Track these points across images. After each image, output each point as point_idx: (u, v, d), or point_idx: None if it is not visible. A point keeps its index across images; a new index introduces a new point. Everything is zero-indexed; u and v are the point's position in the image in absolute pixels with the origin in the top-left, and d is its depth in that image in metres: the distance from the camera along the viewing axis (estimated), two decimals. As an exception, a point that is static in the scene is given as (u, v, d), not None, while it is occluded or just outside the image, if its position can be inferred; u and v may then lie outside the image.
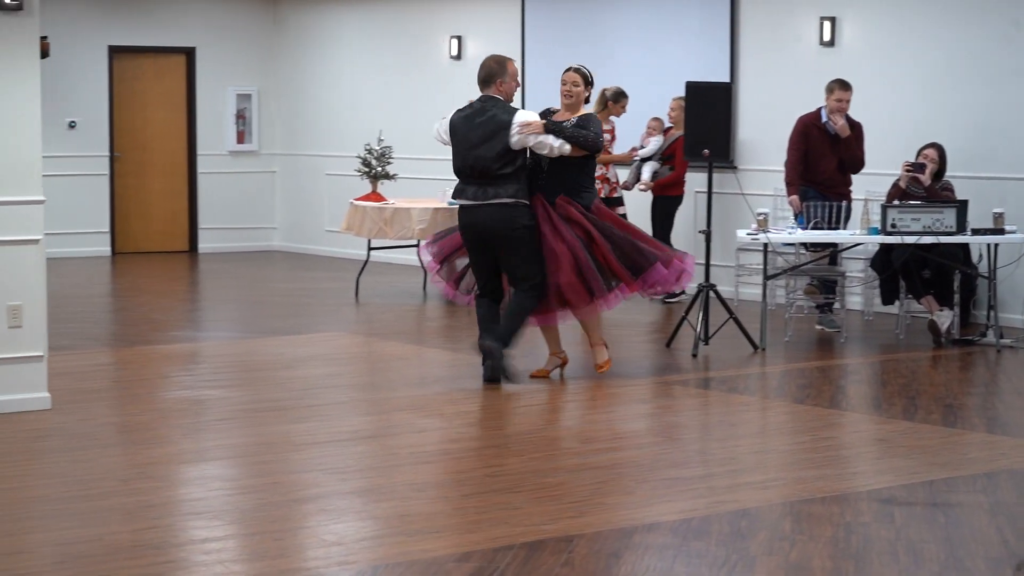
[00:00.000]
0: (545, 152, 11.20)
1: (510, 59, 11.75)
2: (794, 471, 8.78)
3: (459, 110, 11.47)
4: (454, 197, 11.59)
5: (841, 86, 13.94)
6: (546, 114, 11.57)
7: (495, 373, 11.17)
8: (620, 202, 15.97)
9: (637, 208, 16.17)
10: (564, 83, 11.64)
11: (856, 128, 13.89)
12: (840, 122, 13.70)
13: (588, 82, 11.69)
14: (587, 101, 11.85)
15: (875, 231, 13.09)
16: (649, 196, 16.05)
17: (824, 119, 13.91)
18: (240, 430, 9.71)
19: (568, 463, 8.56)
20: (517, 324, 11.44)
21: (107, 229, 20.78)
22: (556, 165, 11.37)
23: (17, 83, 9.87)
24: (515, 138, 11.12)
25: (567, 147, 11.17)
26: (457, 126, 11.30)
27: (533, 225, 11.29)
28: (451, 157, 11.42)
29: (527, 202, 11.30)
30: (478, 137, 11.19)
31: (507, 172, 11.20)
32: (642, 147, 16.01)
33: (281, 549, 6.96)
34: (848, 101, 14.05)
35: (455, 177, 11.49)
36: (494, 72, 11.42)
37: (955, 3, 14.50)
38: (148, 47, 20.94)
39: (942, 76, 14.54)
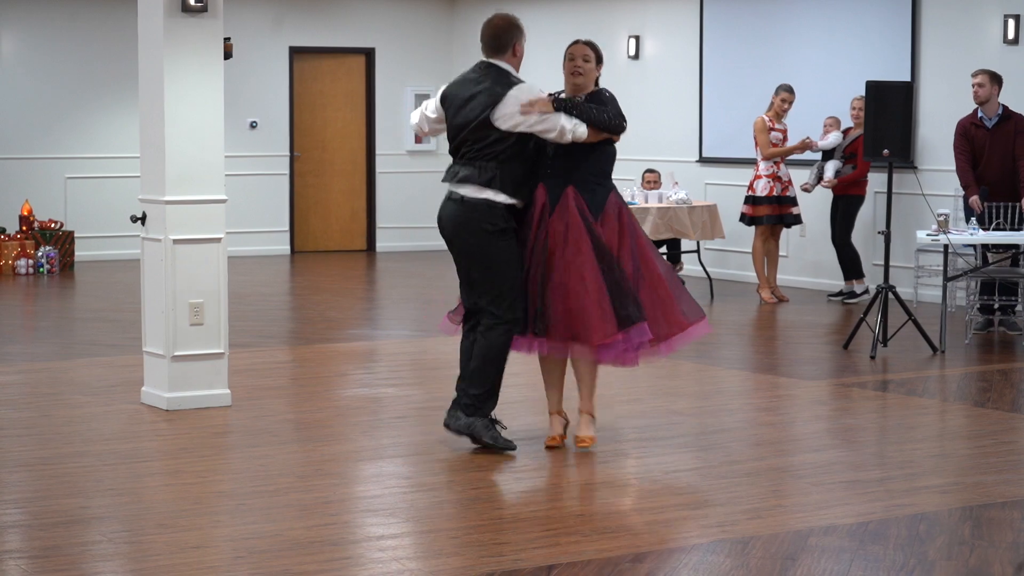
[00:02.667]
0: (554, 136, 8.87)
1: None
2: (974, 475, 8.62)
3: (455, 79, 9.40)
4: (444, 179, 9.29)
5: (787, 89, 14.25)
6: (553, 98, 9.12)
7: (483, 444, 8.79)
8: (794, 202, 15.82)
9: (818, 207, 16.07)
10: (572, 57, 9.30)
11: (1021, 123, 13.67)
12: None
13: (600, 59, 9.39)
14: (597, 84, 9.41)
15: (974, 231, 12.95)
16: (830, 195, 15.89)
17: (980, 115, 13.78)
18: (417, 428, 9.75)
19: (745, 465, 8.51)
20: (491, 376, 8.96)
21: (287, 228, 21.04)
22: (567, 145, 9.04)
23: (201, 84, 10.03)
24: (502, 117, 8.81)
25: (583, 129, 8.86)
26: (450, 96, 9.13)
27: (509, 230, 8.95)
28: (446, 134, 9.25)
29: (505, 199, 8.89)
30: (467, 109, 8.96)
31: (487, 153, 8.89)
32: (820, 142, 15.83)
33: (456, 548, 7.00)
34: (790, 103, 15.42)
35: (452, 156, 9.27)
36: (506, 34, 9.20)
37: None
38: (328, 48, 21.13)
39: None
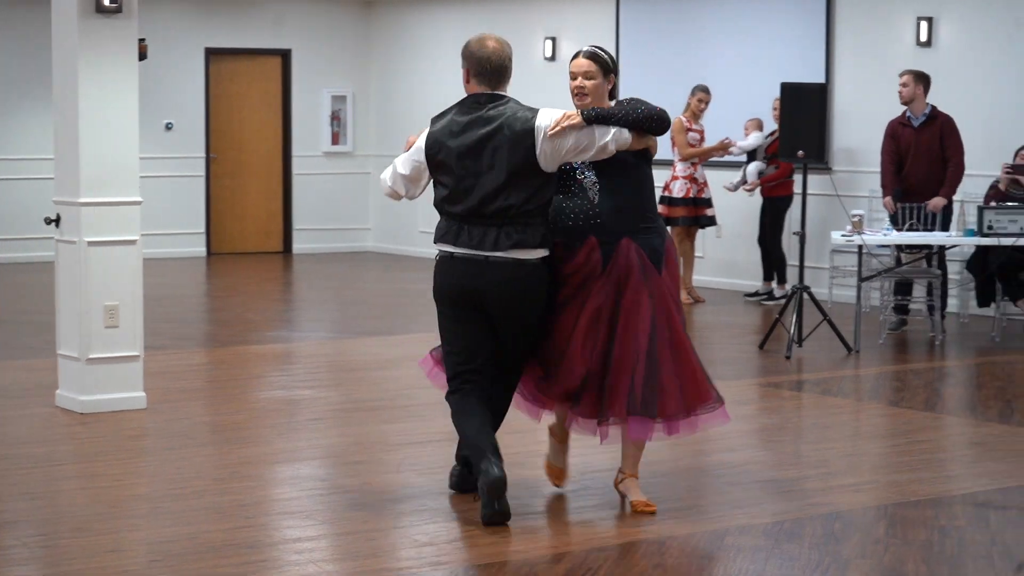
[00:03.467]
0: (591, 155, 7.39)
1: None
2: (888, 474, 8.75)
3: (440, 118, 7.60)
4: (438, 240, 7.53)
5: (702, 90, 14.50)
6: None
7: (503, 514, 7.30)
8: (709, 203, 15.90)
9: (736, 208, 16.18)
10: (573, 76, 7.77)
11: (948, 124, 13.80)
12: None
13: (609, 69, 7.78)
14: (613, 97, 7.88)
15: (971, 233, 13.03)
16: (759, 200, 15.99)
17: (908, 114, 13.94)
18: (333, 430, 9.76)
19: (663, 466, 8.52)
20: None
21: (203, 230, 20.98)
22: (612, 183, 7.53)
23: (116, 85, 9.97)
24: (544, 156, 7.30)
25: (627, 135, 7.42)
26: (446, 144, 7.39)
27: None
28: (436, 192, 7.56)
29: (546, 252, 7.47)
30: (486, 157, 7.33)
31: (531, 209, 7.36)
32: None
33: (373, 549, 7.01)
34: (707, 104, 15.83)
35: (446, 215, 7.55)
36: (510, 62, 7.70)
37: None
38: (244, 49, 21.07)
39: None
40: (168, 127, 20.44)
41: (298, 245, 21.57)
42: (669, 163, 16.09)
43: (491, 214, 7.24)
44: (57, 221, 10.12)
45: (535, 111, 7.33)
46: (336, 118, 21.66)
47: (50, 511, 7.60)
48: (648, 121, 7.36)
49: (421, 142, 7.42)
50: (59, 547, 6.91)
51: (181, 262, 19.80)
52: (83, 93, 9.86)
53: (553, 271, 7.49)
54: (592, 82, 7.54)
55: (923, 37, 15.34)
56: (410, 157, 7.48)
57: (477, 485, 7.27)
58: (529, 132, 7.18)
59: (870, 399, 11.17)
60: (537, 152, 7.15)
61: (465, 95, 7.53)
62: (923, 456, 9.12)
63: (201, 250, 20.93)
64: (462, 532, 7.31)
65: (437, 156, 7.30)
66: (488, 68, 7.45)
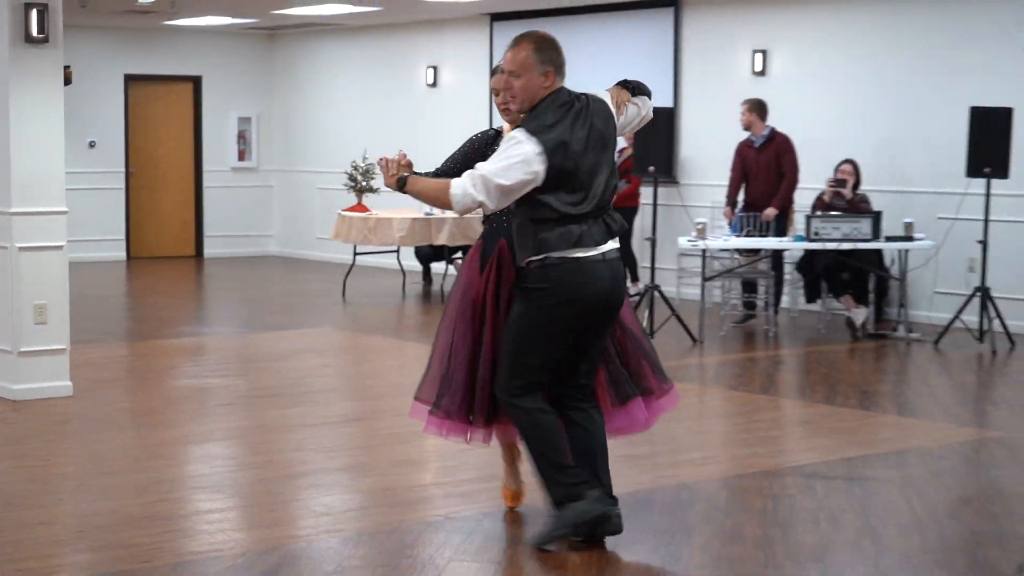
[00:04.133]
0: (636, 124, 6.71)
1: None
2: (729, 449, 8.89)
3: (548, 127, 6.16)
4: (573, 246, 6.19)
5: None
6: (490, 139, 6.93)
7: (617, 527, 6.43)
8: None
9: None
10: (497, 92, 6.76)
11: (784, 144, 14.01)
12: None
13: (541, 61, 6.23)
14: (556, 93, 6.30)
15: (800, 238, 13.25)
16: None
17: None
18: (240, 414, 9.71)
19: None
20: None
21: (123, 237, 20.75)
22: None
23: (43, 107, 9.86)
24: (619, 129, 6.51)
25: (649, 102, 6.76)
26: (571, 142, 6.14)
27: None
28: (558, 195, 6.18)
29: None
30: (594, 149, 6.29)
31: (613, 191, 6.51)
32: None
33: (276, 519, 6.98)
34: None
35: (567, 220, 6.20)
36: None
37: (870, 42, 14.56)
38: (160, 76, 20.91)
39: (857, 102, 14.60)
40: (91, 145, 20.22)
41: (209, 250, 21.42)
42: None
43: (605, 206, 6.27)
44: (-10, 229, 10.00)
45: (598, 94, 6.40)
46: (242, 137, 21.56)
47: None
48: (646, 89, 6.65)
49: (533, 154, 6.01)
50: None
51: (104, 265, 19.58)
52: (13, 114, 9.74)
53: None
54: (514, 88, 6.27)
55: (758, 67, 15.51)
56: (519, 170, 6.04)
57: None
58: (610, 114, 6.33)
59: (713, 384, 11.25)
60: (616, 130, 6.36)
61: (551, 94, 6.23)
62: (759, 434, 9.24)
63: (121, 255, 20.71)
64: (356, 503, 7.31)
65: (564, 164, 6.05)
66: (562, 60, 6.29)
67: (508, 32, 17.94)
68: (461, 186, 6.09)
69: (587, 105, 6.18)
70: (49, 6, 9.71)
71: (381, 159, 6.41)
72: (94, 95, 20.00)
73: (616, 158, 6.52)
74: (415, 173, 6.48)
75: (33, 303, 9.86)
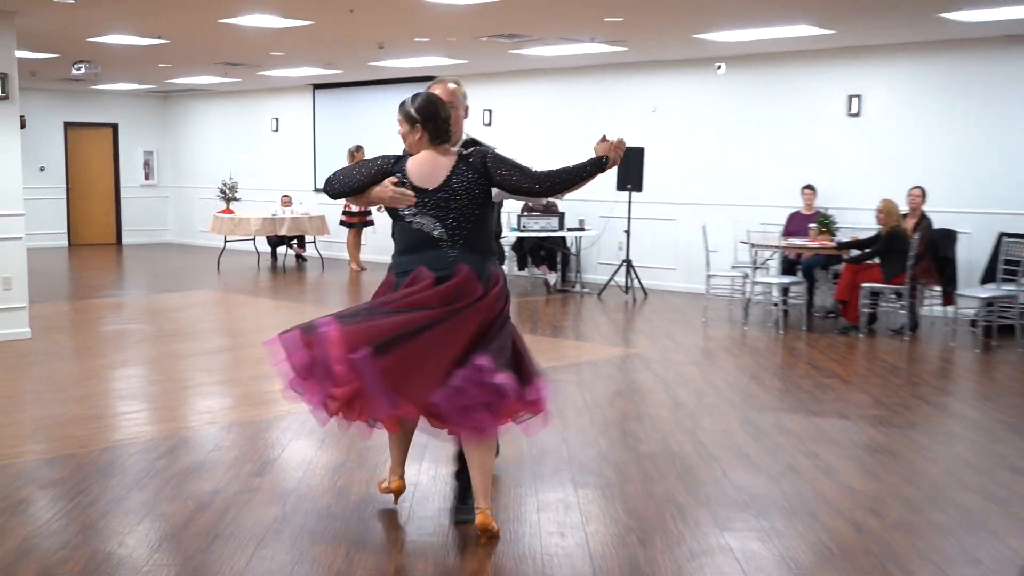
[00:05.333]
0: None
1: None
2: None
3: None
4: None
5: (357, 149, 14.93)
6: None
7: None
8: (370, 212, 15.41)
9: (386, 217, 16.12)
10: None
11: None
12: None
13: (412, 120, 4.65)
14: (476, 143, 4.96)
15: (514, 229, 13.36)
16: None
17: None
18: (148, 348, 9.44)
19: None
20: None
21: (65, 230, 19.88)
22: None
23: (4, 144, 9.48)
24: None
25: None
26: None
27: None
28: None
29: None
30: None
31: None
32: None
33: (172, 416, 6.85)
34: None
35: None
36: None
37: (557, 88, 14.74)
38: (88, 122, 20.08)
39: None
40: (41, 169, 19.31)
41: (125, 239, 20.67)
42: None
43: None
44: (-29, 226, 9.61)
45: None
46: (147, 164, 20.86)
47: (-30, 401, 7.20)
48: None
49: None
50: (-24, 423, 6.56)
51: (51, 250, 18.76)
52: (-14, 148, 9.35)
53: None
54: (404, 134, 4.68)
55: (487, 121, 15.53)
56: None
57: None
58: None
59: None
60: None
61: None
62: None
63: (64, 243, 19.88)
64: (227, 404, 7.19)
65: None
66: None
67: (326, 97, 17.83)
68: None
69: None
70: (8, 75, 9.36)
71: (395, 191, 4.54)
72: (43, 135, 19.19)
73: None
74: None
75: (1, 276, 9.52)
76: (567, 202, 14.08)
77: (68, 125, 19.84)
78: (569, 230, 13.52)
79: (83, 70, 13.93)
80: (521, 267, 14.22)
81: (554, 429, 6.35)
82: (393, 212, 4.68)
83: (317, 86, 17.66)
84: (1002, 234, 10.38)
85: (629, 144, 13.20)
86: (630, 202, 12.94)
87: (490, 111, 15.28)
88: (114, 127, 20.49)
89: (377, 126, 16.66)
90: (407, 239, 4.64)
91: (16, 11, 9.50)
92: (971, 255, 10.88)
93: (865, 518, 4.96)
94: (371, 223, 15.78)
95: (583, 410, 7.00)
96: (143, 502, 5.11)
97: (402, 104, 4.73)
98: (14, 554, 4.42)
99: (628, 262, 12.96)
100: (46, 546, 4.52)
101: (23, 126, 9.77)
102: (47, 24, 10.54)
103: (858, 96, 11.94)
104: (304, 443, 6.18)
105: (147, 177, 21.00)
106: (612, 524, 4.85)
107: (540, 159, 13.67)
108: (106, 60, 13.95)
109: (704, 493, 5.31)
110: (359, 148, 15.37)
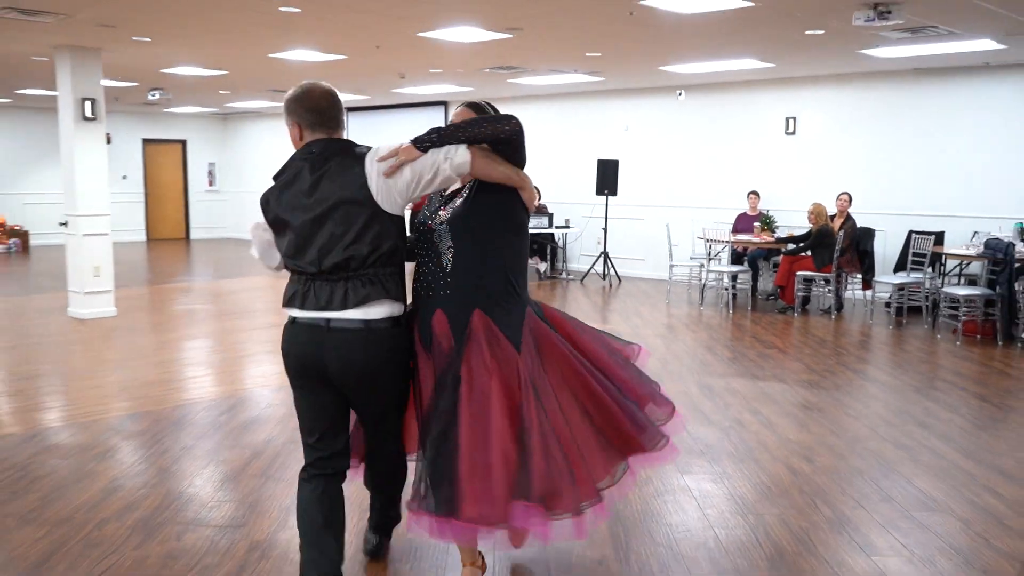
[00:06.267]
0: (428, 179, 2.85)
1: None
2: None
3: (275, 178, 3.05)
4: (287, 305, 3.09)
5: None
6: None
7: None
8: None
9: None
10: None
11: None
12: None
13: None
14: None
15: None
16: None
17: None
18: (213, 324, 9.41)
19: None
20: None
21: (143, 227, 19.84)
22: (467, 245, 2.94)
23: (94, 156, 9.44)
24: (379, 186, 2.87)
25: (462, 153, 2.86)
26: (276, 200, 3.00)
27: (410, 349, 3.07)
28: (275, 251, 3.15)
29: (402, 308, 3.02)
30: (323, 204, 2.90)
31: (376, 259, 2.91)
32: None
33: (232, 380, 6.76)
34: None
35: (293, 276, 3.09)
36: (340, 105, 3.02)
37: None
38: (161, 139, 20.01)
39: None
40: (124, 177, 19.24)
41: (193, 235, 20.63)
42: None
43: (331, 267, 2.96)
44: (66, 224, 9.57)
45: (365, 149, 3.01)
46: (210, 173, 20.80)
47: (64, 367, 7.18)
48: (487, 133, 2.90)
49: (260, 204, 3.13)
50: (69, 388, 6.54)
51: (133, 243, 18.72)
52: (77, 161, 9.34)
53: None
54: None
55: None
56: (257, 219, 3.19)
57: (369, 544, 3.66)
58: (360, 170, 2.94)
59: None
60: (372, 191, 2.90)
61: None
62: None
63: (143, 237, 19.86)
64: (277, 371, 7.16)
65: (265, 208, 3.08)
66: (318, 111, 3.02)
67: (357, 118, 17.72)
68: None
69: (325, 160, 2.93)
70: (96, 100, 9.35)
71: None
72: (125, 149, 19.11)
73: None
74: None
75: (92, 265, 9.51)
76: (555, 204, 14.07)
77: (145, 141, 19.77)
78: (557, 227, 13.48)
79: (157, 96, 13.88)
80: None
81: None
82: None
83: (350, 109, 17.57)
84: (911, 231, 10.39)
85: (606, 156, 13.31)
86: (607, 204, 12.95)
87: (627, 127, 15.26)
88: (183, 143, 20.42)
89: (399, 141, 16.56)
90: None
91: (102, 48, 9.47)
92: (886, 249, 10.90)
93: (798, 463, 4.97)
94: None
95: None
96: (208, 450, 5.12)
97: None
98: (104, 491, 4.44)
99: (605, 254, 12.93)
100: (129, 485, 4.53)
101: (109, 142, 9.80)
102: (128, 58, 10.50)
103: (794, 118, 11.93)
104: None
105: (210, 183, 20.92)
106: (592, 468, 4.85)
107: (532, 170, 13.62)
108: (176, 87, 13.90)
109: (667, 443, 5.31)
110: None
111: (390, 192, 2.92)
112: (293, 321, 3.09)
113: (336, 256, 2.94)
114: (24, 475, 4.66)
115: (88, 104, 9.32)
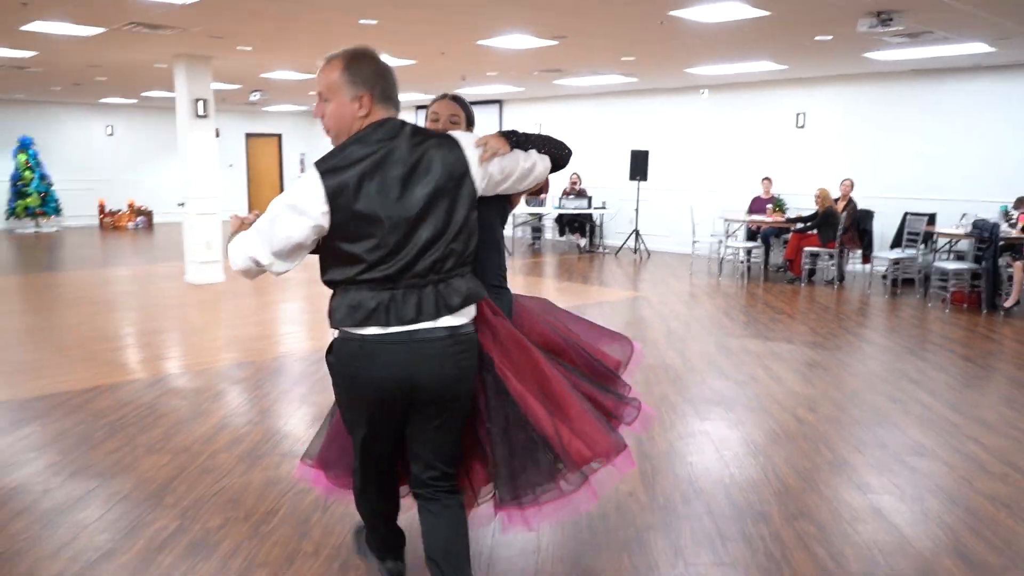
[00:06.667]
0: (527, 183, 2.24)
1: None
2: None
3: (334, 166, 1.96)
4: (361, 323, 2.00)
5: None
6: None
7: None
8: None
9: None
10: (436, 118, 2.46)
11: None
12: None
13: (471, 120, 2.50)
14: None
15: (557, 207, 13.20)
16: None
17: None
18: (304, 289, 9.41)
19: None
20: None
21: (246, 208, 20.04)
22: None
23: (204, 148, 9.50)
24: (480, 174, 2.10)
25: (548, 163, 2.32)
26: (356, 191, 1.93)
27: None
28: (346, 251, 2.02)
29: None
30: (425, 194, 1.98)
31: (470, 256, 2.12)
32: None
33: (320, 336, 6.74)
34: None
35: (365, 280, 2.03)
36: (393, 79, 2.08)
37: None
38: (261, 133, 20.18)
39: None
40: (230, 166, 19.45)
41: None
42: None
43: (409, 266, 2.08)
44: (183, 204, 9.68)
45: (454, 136, 2.19)
46: (301, 161, 20.92)
47: (182, 324, 7.29)
48: (557, 152, 2.39)
49: (313, 198, 2.03)
50: (186, 341, 6.64)
51: (237, 222, 19.02)
52: (191, 151, 9.41)
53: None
54: (458, 127, 2.55)
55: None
56: (285, 219, 2.08)
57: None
58: (463, 160, 2.15)
59: (519, 272, 10.87)
60: (476, 184, 2.17)
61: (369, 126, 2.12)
62: (529, 289, 8.86)
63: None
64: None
65: (343, 193, 2.02)
66: (385, 83, 2.14)
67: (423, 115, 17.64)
68: (235, 246, 2.25)
69: (419, 144, 2.12)
70: (207, 100, 9.41)
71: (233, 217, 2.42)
72: (231, 142, 19.27)
73: None
74: None
75: (204, 239, 9.61)
76: (593, 187, 13.96)
77: (248, 135, 19.94)
78: (595, 208, 13.38)
79: (257, 97, 13.99)
80: (561, 234, 14.15)
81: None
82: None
83: (418, 106, 17.57)
84: (907, 213, 10.14)
85: (638, 147, 13.13)
86: (639, 188, 12.83)
87: (540, 124, 15.15)
88: (279, 136, 20.55)
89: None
90: None
91: (213, 56, 9.55)
92: (884, 228, 10.66)
93: (804, 413, 4.90)
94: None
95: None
96: (300, 394, 5.18)
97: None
98: (215, 427, 4.53)
99: (636, 231, 12.82)
100: (236, 423, 4.62)
101: (217, 136, 9.88)
102: (233, 65, 10.59)
103: (804, 113, 11.66)
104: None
105: (301, 170, 21.01)
106: (624, 414, 4.83)
107: (575, 158, 13.34)
108: (273, 89, 13.99)
109: (689, 394, 5.27)
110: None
111: (489, 181, 2.21)
112: (363, 341, 2.10)
113: (435, 254, 2.08)
114: (151, 412, 4.78)
115: (200, 103, 9.42)
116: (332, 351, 2.22)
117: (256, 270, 2.16)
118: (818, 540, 3.28)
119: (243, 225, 2.24)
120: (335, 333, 2.18)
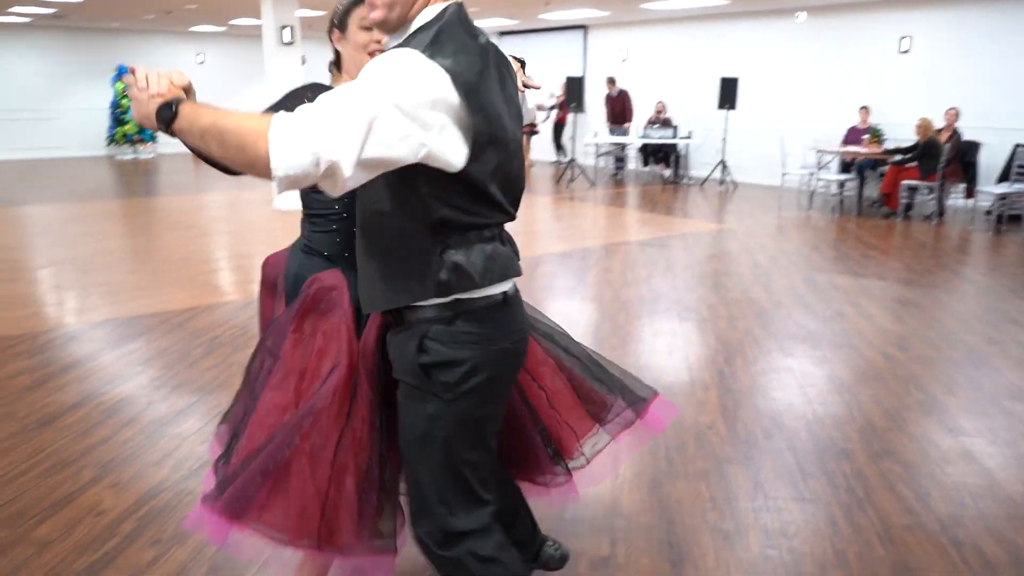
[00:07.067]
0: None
1: None
2: (605, 232, 8.37)
3: (444, 52, 1.23)
4: (500, 279, 1.35)
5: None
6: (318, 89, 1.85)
7: None
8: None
9: (546, 128, 15.75)
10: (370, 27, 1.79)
11: (626, 94, 13.56)
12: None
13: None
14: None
15: (641, 136, 12.96)
16: (551, 123, 15.47)
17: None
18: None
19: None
20: None
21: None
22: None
23: (292, 75, 9.57)
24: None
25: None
26: (487, 89, 1.27)
27: None
28: (469, 178, 1.35)
29: None
30: (516, 117, 1.41)
31: None
32: None
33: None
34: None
35: (490, 223, 1.42)
36: None
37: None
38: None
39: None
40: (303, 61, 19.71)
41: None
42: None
43: (514, 201, 1.54)
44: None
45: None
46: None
47: (271, 248, 7.38)
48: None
49: (448, 88, 1.27)
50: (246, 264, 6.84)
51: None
52: (277, 78, 9.50)
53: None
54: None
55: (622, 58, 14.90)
56: (425, 107, 1.27)
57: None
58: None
59: (597, 203, 10.88)
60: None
61: (445, 10, 1.48)
62: (617, 226, 8.82)
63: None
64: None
65: (476, 97, 1.33)
66: None
67: (509, 40, 17.37)
68: (293, 127, 1.30)
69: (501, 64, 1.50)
70: (293, 27, 9.48)
71: (131, 70, 1.42)
72: (315, 69, 19.09)
73: (556, 98, 2.34)
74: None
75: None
76: (679, 117, 13.59)
77: (331, 62, 20.07)
78: (681, 138, 13.05)
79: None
80: (645, 164, 13.91)
81: (665, 279, 6.30)
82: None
83: (502, 32, 17.31)
84: (1016, 144, 9.53)
85: (728, 74, 12.66)
86: (727, 118, 12.43)
87: (627, 49, 14.74)
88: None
89: (541, 63, 16.33)
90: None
91: (297, -19, 9.59)
92: (990, 160, 10.04)
93: (893, 351, 4.75)
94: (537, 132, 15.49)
95: (687, 266, 6.87)
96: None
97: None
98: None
99: (723, 162, 12.46)
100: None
101: (303, 63, 9.90)
102: (317, -10, 10.62)
103: (909, 37, 10.97)
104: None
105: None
106: (706, 347, 4.80)
107: (661, 86, 12.98)
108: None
109: (774, 328, 5.18)
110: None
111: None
112: (506, 300, 1.54)
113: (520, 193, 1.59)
114: (243, 333, 4.98)
115: (287, 30, 9.49)
116: (467, 323, 1.43)
117: (310, 178, 1.32)
118: (903, 480, 3.22)
119: (173, 89, 1.38)
120: (431, 306, 1.43)
